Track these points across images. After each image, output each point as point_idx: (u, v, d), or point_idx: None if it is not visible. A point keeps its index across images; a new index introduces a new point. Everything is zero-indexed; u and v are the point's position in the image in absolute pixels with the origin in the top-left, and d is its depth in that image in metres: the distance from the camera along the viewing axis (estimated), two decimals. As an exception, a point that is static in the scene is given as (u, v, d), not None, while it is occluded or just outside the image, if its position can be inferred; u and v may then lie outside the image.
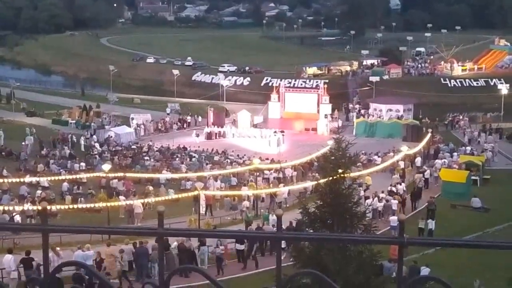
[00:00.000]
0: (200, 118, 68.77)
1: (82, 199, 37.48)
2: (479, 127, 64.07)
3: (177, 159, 50.42)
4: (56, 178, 40.92)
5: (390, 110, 66.48)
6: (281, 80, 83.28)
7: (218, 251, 27.30)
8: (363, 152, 47.84)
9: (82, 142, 55.35)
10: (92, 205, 35.57)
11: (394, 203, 36.24)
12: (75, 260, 20.80)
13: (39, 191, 38.04)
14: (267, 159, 50.06)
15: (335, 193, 15.92)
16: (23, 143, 51.72)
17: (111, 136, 58.09)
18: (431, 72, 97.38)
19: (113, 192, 39.17)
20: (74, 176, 42.27)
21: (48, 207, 28.23)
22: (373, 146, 54.18)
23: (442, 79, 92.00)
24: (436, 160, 48.35)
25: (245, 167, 46.32)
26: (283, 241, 2.98)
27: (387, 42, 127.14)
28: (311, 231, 15.64)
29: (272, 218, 32.09)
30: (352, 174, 18.28)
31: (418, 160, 48.66)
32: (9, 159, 48.67)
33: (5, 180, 38.74)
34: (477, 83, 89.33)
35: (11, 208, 32.98)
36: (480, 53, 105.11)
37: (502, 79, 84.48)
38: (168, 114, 69.45)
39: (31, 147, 52.51)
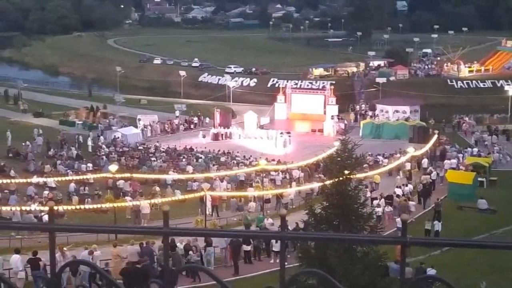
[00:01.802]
0: (207, 119, 68.83)
1: (89, 199, 37.55)
2: (484, 128, 63.93)
3: (183, 160, 50.49)
4: (63, 178, 41.01)
5: (397, 111, 66.38)
6: (287, 81, 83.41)
7: (194, 257, 26.26)
8: (369, 153, 47.82)
9: (89, 143, 55.49)
10: (99, 205, 35.65)
11: (412, 205, 36.40)
12: (81, 259, 20.86)
13: (46, 192, 38.16)
14: (274, 160, 50.09)
15: (341, 194, 15.95)
16: (23, 144, 51.71)
17: (118, 137, 58.24)
18: (438, 73, 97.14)
19: (120, 193, 39.22)
20: (81, 177, 42.36)
21: (55, 208, 28.34)
22: (379, 148, 54.15)
23: (448, 80, 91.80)
24: (445, 161, 48.30)
25: (251, 168, 46.36)
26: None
27: (394, 43, 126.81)
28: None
29: (268, 222, 32.07)
30: (358, 175, 18.27)
31: (425, 162, 48.59)
32: (16, 159, 48.84)
33: (13, 180, 38.87)
34: (484, 85, 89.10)
35: (18, 208, 33.12)
36: (487, 54, 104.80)
37: (509, 81, 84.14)
38: (177, 116, 69.33)
39: (38, 148, 52.68)
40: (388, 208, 35.41)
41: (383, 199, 36.49)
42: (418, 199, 39.12)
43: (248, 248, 28.52)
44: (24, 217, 31.93)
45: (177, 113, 70.27)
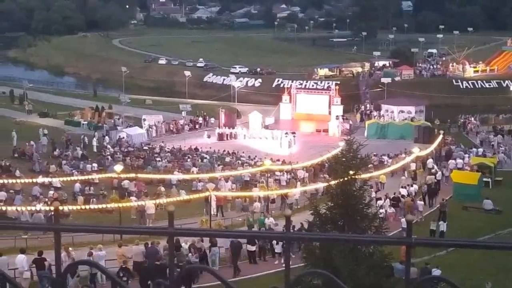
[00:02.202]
0: (212, 119, 68.86)
1: (94, 199, 37.58)
2: (490, 129, 63.80)
3: (188, 160, 50.51)
4: (68, 178, 41.06)
5: (402, 111, 66.33)
6: (292, 81, 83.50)
7: (193, 259, 25.99)
8: (374, 153, 47.74)
9: (95, 143, 55.57)
10: (104, 205, 35.70)
11: (420, 204, 36.40)
12: (86, 259, 20.89)
13: (51, 192, 38.20)
14: (278, 160, 50.08)
15: (346, 195, 15.94)
16: (28, 144, 51.73)
17: (123, 137, 58.29)
18: (443, 73, 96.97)
19: (125, 193, 39.26)
20: (86, 177, 42.38)
21: (60, 208, 28.42)
22: (384, 148, 54.07)
23: (454, 80, 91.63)
24: (451, 160, 48.22)
25: (256, 168, 46.34)
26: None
27: (399, 44, 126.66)
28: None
29: (270, 221, 32.06)
30: (363, 176, 18.24)
31: (430, 162, 48.49)
32: (21, 159, 48.93)
33: (18, 180, 38.95)
34: (489, 85, 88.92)
35: (23, 208, 33.19)
36: (492, 54, 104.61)
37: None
38: (183, 116, 69.32)
39: (43, 148, 52.78)
40: (391, 209, 35.39)
41: (388, 200, 36.47)
42: (423, 200, 39.09)
43: (253, 248, 28.51)
44: (34, 216, 32.04)
45: (183, 113, 70.34)
